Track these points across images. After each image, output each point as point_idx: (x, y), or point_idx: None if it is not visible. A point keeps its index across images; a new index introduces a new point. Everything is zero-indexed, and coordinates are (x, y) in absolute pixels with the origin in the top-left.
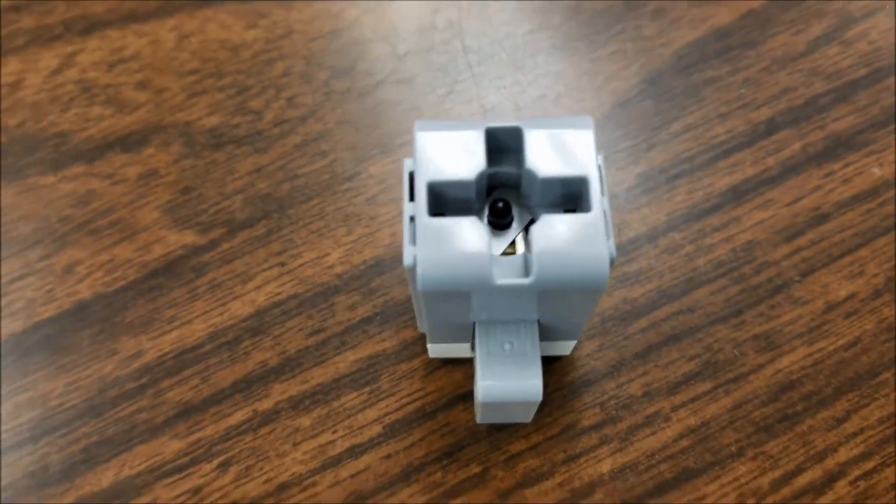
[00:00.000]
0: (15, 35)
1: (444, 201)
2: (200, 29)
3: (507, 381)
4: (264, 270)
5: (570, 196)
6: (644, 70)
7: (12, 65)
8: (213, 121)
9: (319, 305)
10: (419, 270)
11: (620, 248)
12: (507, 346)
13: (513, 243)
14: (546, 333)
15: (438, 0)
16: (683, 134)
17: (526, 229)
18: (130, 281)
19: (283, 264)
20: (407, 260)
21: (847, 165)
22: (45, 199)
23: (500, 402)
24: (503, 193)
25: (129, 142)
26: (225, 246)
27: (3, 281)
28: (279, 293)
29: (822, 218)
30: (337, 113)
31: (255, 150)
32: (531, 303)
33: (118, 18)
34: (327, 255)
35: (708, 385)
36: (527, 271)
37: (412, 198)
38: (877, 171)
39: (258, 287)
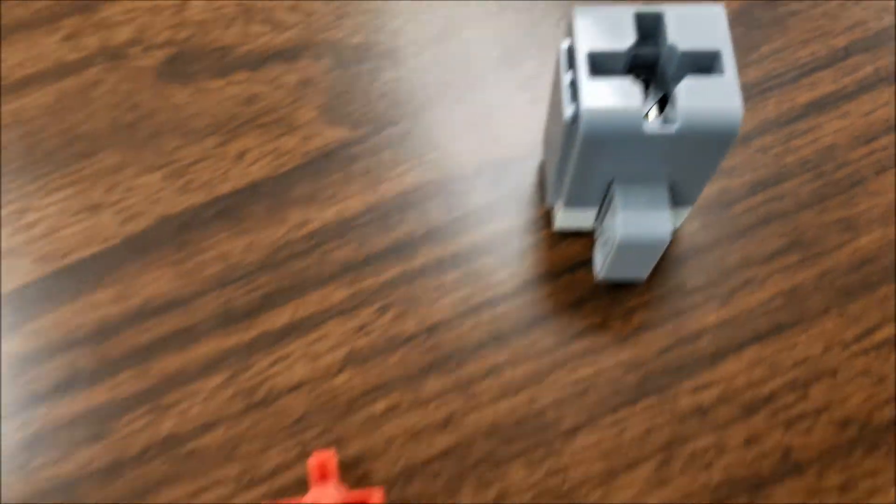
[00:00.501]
0: None
1: (599, 71)
2: None
3: (643, 221)
4: (407, 160)
5: (704, 69)
6: (735, 3)
7: None
8: (356, 39)
9: (457, 189)
10: (584, 118)
11: None
12: (642, 199)
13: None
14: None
15: None
16: (771, 56)
17: (662, 102)
18: (294, 166)
19: (421, 156)
20: (567, 114)
21: None
22: (215, 98)
23: (634, 243)
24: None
25: (285, 55)
26: (373, 140)
27: (184, 163)
28: (423, 178)
29: (893, 127)
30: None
31: (392, 65)
32: (668, 158)
33: None
34: (461, 150)
35: (796, 257)
36: (671, 123)
37: (571, 66)
38: None
39: (402, 173)
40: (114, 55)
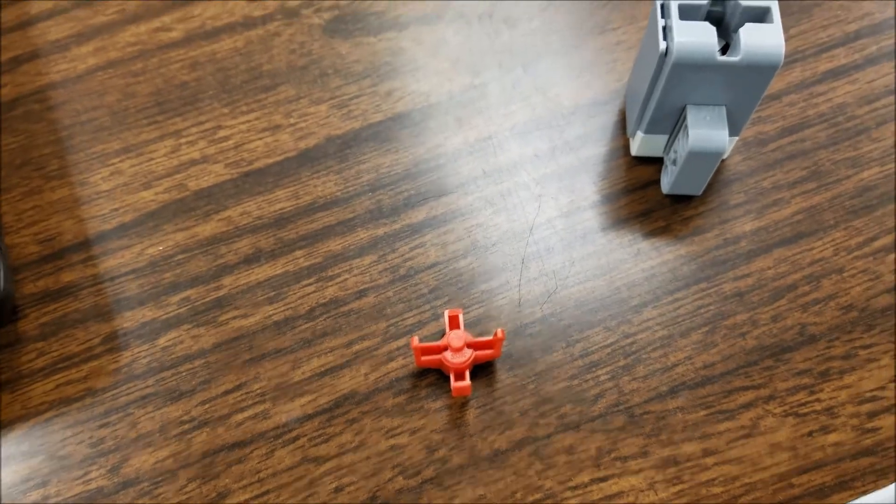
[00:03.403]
0: None
1: (686, 17)
2: None
3: (709, 132)
4: (519, 101)
5: (758, 19)
6: None
7: None
8: (481, 9)
9: (557, 125)
10: (675, 48)
11: None
12: (707, 118)
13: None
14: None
15: None
16: (798, 36)
17: (724, 49)
18: (430, 104)
19: (529, 98)
20: (661, 48)
21: None
22: (368, 51)
23: (700, 152)
24: None
25: (425, 20)
26: (491, 86)
27: (348, 97)
28: (532, 115)
29: (892, 91)
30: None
31: (509, 28)
32: (729, 85)
33: None
34: (561, 94)
35: (814, 185)
36: (736, 54)
37: (664, 16)
38: None
39: (514, 111)
40: (290, 13)
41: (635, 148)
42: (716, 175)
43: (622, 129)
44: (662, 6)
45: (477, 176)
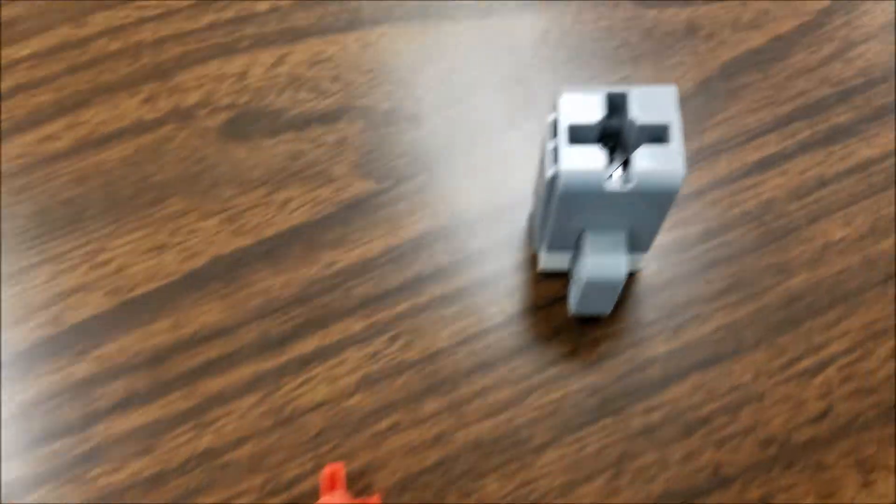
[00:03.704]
0: (240, 40)
1: (576, 139)
2: (376, 42)
3: (604, 264)
4: (421, 209)
5: (656, 138)
6: (699, 75)
7: (240, 61)
8: (386, 105)
9: (460, 234)
10: (561, 178)
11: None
12: (605, 246)
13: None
14: (629, 245)
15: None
16: (725, 122)
17: (624, 164)
18: (328, 213)
19: (432, 205)
20: (548, 174)
21: (844, 147)
22: (267, 154)
23: (596, 282)
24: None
25: (326, 118)
26: (394, 191)
27: (238, 210)
28: (434, 224)
29: (824, 183)
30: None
31: (414, 127)
32: (627, 211)
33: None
34: (465, 200)
35: (736, 297)
36: (629, 181)
37: (555, 135)
38: (866, 152)
39: (416, 221)
40: (184, 115)
41: (540, 263)
42: (628, 288)
43: (531, 239)
44: (554, 123)
45: (375, 296)
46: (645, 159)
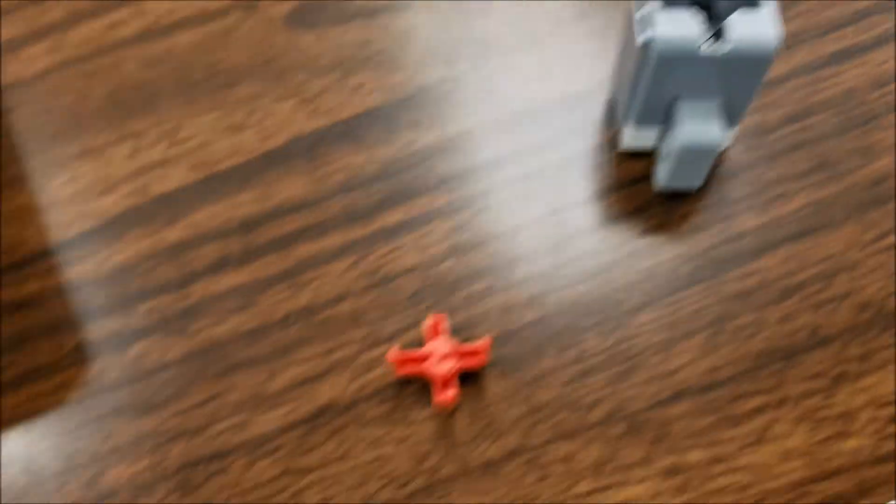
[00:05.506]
0: None
1: (670, 4)
2: None
3: (699, 130)
4: (496, 94)
5: (751, 4)
6: None
7: None
8: None
9: (536, 121)
10: (657, 41)
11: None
12: (699, 111)
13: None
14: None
15: None
16: (806, 13)
17: (716, 35)
18: (402, 97)
19: (506, 91)
20: (641, 40)
21: None
22: (333, 43)
23: (692, 148)
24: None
25: (395, 7)
26: (468, 77)
27: (314, 93)
28: (506, 110)
29: None
30: None
31: (483, 14)
32: (720, 78)
33: None
34: (539, 87)
35: (822, 176)
36: (724, 46)
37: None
38: None
39: (495, 104)
40: (248, 7)
41: (625, 141)
42: (714, 167)
43: (609, 122)
44: None
45: (455, 174)
46: (740, 24)
